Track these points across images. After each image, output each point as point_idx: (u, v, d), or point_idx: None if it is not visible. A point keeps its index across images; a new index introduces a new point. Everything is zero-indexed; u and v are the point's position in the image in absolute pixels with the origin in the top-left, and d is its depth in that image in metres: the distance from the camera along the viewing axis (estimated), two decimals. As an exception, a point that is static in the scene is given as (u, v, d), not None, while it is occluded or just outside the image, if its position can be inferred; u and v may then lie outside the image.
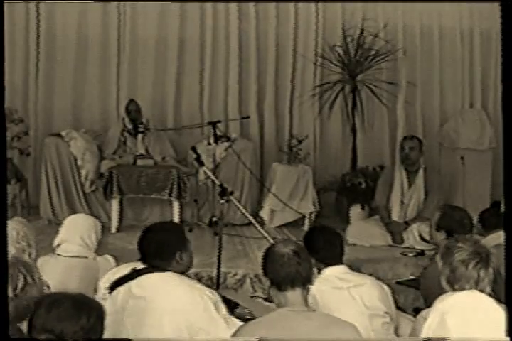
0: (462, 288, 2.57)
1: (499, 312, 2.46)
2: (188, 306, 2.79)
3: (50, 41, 6.93)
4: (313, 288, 2.69)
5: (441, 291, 2.63)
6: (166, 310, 2.78)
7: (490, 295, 2.55)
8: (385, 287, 3.32)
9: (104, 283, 2.99)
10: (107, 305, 2.65)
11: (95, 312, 2.12)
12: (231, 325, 2.76)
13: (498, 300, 2.54)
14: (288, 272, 2.51)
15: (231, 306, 3.46)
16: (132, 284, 2.87)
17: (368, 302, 3.11)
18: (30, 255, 2.93)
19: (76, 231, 3.75)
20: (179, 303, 2.79)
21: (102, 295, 2.94)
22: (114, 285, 2.90)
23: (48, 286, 2.82)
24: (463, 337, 2.42)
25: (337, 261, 3.24)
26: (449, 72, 7.37)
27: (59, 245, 3.74)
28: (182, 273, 2.96)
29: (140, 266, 2.95)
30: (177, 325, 2.77)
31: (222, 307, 2.87)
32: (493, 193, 6.74)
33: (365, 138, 7.12)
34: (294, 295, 2.51)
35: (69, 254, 3.68)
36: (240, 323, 2.74)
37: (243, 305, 3.55)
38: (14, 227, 2.88)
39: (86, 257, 3.70)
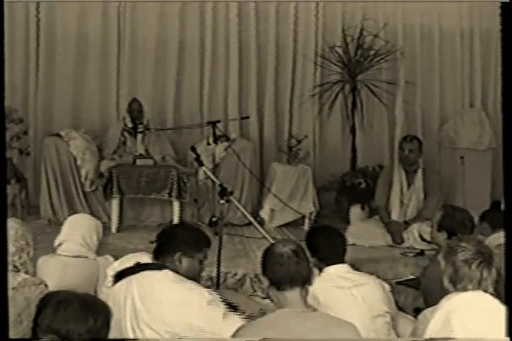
0: (465, 288, 2.56)
1: (504, 313, 2.45)
2: (181, 307, 2.78)
3: (50, 41, 6.92)
4: (315, 287, 2.69)
5: (442, 291, 2.62)
6: (161, 309, 2.78)
7: (492, 295, 2.55)
8: (386, 286, 3.32)
9: (111, 271, 3.02)
10: (110, 297, 2.66)
11: (102, 315, 2.08)
12: (229, 323, 2.72)
13: (499, 299, 2.53)
14: (287, 271, 2.51)
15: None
16: (132, 280, 2.87)
17: (370, 302, 3.11)
18: (28, 254, 2.94)
19: (77, 231, 3.75)
20: (173, 303, 2.78)
21: (107, 283, 2.95)
22: (118, 277, 2.91)
23: (46, 285, 2.82)
24: (466, 337, 2.42)
25: (339, 260, 3.24)
26: (449, 72, 7.35)
27: (60, 245, 3.74)
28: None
29: (144, 258, 2.95)
30: (172, 324, 2.76)
31: (221, 305, 2.85)
32: (493, 193, 6.74)
33: (365, 138, 7.11)
34: (293, 295, 2.50)
35: (70, 254, 3.68)
36: (239, 321, 2.73)
37: (242, 309, 3.54)
38: (13, 226, 2.89)
39: (86, 257, 3.70)
